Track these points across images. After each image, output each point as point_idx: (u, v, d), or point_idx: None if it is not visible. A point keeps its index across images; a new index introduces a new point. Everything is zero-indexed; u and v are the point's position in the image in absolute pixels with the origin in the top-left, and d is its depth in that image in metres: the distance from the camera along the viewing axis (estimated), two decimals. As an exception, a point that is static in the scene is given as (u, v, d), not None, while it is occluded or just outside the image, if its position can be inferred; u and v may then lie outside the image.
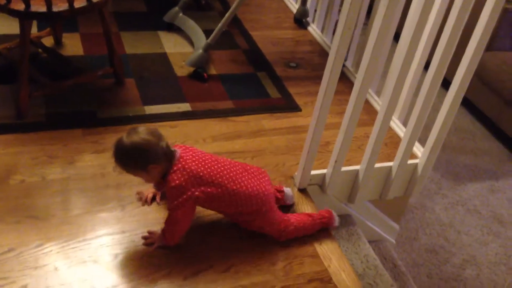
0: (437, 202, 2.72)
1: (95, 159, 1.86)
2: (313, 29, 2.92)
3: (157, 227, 1.60)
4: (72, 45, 2.46)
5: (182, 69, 2.42)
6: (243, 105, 2.27)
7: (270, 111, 2.26)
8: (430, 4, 1.63)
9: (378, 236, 2.27)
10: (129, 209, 1.69)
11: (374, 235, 2.25)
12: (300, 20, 2.97)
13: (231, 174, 1.54)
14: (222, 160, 1.57)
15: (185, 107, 2.19)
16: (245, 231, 1.65)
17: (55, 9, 1.85)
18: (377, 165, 1.92)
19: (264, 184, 1.59)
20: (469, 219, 2.64)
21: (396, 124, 2.22)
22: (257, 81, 2.45)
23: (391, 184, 2.00)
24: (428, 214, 2.64)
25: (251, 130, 2.13)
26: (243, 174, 1.57)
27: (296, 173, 1.88)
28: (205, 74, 2.37)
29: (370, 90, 2.36)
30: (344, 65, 2.53)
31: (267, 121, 2.20)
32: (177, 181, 1.46)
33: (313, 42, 2.84)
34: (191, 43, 2.57)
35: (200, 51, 2.38)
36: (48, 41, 2.40)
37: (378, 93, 2.40)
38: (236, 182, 1.54)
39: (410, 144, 1.90)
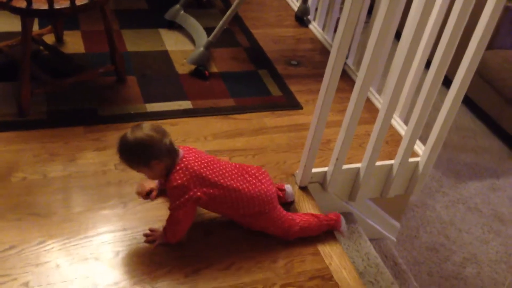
0: (438, 200, 2.72)
1: (96, 156, 1.86)
2: (314, 27, 2.92)
3: (159, 225, 1.60)
4: (73, 42, 2.46)
5: (183, 67, 2.42)
6: (244, 103, 2.27)
7: (271, 109, 2.26)
8: (431, 3, 1.63)
9: (379, 234, 2.28)
10: (131, 206, 1.69)
11: (375, 233, 2.26)
12: (301, 18, 2.97)
13: (233, 176, 1.55)
14: (223, 162, 1.58)
15: (186, 104, 2.20)
16: (246, 229, 1.65)
17: (56, 6, 1.85)
18: (378, 163, 1.93)
19: (266, 185, 1.59)
20: (469, 217, 2.64)
21: (397, 122, 2.22)
22: (258, 79, 2.45)
23: (392, 182, 2.00)
24: (429, 212, 2.64)
25: (252, 128, 2.13)
26: (244, 175, 1.57)
27: (297, 171, 1.88)
28: (206, 72, 2.37)
29: (371, 88, 2.36)
30: (345, 63, 2.53)
31: (268, 119, 2.20)
32: (179, 181, 1.46)
33: (314, 40, 2.84)
34: (192, 41, 2.57)
35: (201, 49, 2.38)
36: (49, 39, 2.40)
37: (379, 91, 2.40)
38: (238, 183, 1.54)
39: (411, 142, 1.90)
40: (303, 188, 1.87)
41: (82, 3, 1.90)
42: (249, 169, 1.61)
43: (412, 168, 2.02)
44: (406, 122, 2.13)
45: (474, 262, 2.41)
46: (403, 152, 1.93)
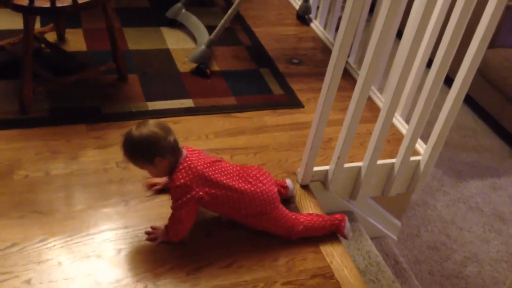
0: (439, 199, 2.72)
1: (98, 154, 1.86)
2: (316, 25, 2.92)
3: (160, 223, 1.60)
4: (75, 40, 2.46)
5: (184, 65, 2.42)
6: (246, 101, 2.27)
7: (272, 107, 2.26)
8: (433, 2, 1.63)
9: (380, 232, 2.28)
10: (132, 204, 1.69)
11: (376, 231, 2.26)
12: (303, 17, 2.97)
13: (234, 177, 1.56)
14: (224, 163, 1.59)
15: (188, 103, 2.20)
16: (247, 228, 1.65)
17: (58, 4, 1.85)
18: (380, 161, 1.93)
19: (267, 185, 1.60)
20: (470, 216, 2.64)
21: (398, 121, 2.22)
22: (260, 78, 2.45)
23: (393, 181, 2.00)
24: (430, 211, 2.64)
25: (254, 126, 2.14)
26: (245, 176, 1.58)
27: (298, 169, 1.88)
28: (207, 70, 2.37)
29: (372, 87, 2.36)
30: (346, 62, 2.53)
31: (269, 117, 2.20)
32: (181, 180, 1.47)
33: (315, 38, 2.84)
34: (194, 39, 2.57)
35: (203, 47, 2.38)
36: (51, 37, 2.40)
37: (381, 90, 2.40)
38: (239, 184, 1.55)
39: (412, 141, 1.90)
40: (305, 187, 1.87)
41: (84, 1, 1.90)
42: (249, 170, 1.62)
43: (413, 167, 2.02)
44: (407, 121, 2.13)
45: (475, 261, 2.41)
46: (404, 150, 1.93)
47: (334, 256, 1.65)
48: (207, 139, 2.02)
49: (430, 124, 1.93)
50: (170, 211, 1.53)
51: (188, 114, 2.13)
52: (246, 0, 2.43)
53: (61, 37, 2.44)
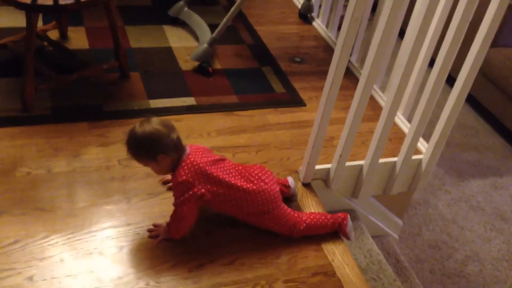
0: (440, 198, 2.72)
1: (100, 152, 1.87)
2: (318, 24, 2.92)
3: (162, 220, 1.61)
4: (77, 38, 2.47)
5: (187, 63, 2.42)
6: (248, 100, 2.27)
7: (274, 105, 2.26)
8: (435, 1, 1.63)
9: (381, 231, 2.28)
10: (134, 201, 1.70)
11: (378, 230, 2.26)
12: (305, 15, 2.97)
13: (237, 176, 1.56)
14: (227, 162, 1.60)
15: (190, 101, 2.20)
16: (249, 226, 1.65)
17: (61, 2, 1.85)
18: (381, 160, 1.93)
19: (269, 184, 1.60)
20: (472, 215, 2.64)
21: (400, 120, 2.22)
22: (262, 76, 2.45)
23: (395, 180, 2.00)
24: (431, 210, 2.64)
25: (255, 124, 2.14)
26: (247, 176, 1.58)
27: (300, 168, 1.89)
28: (210, 69, 2.37)
29: (374, 86, 2.36)
30: (349, 61, 2.53)
31: (271, 115, 2.20)
32: (184, 177, 1.47)
33: (317, 37, 2.84)
34: (196, 38, 2.57)
35: (205, 45, 2.38)
36: (53, 34, 2.40)
37: (383, 88, 2.40)
38: (241, 183, 1.55)
39: (414, 140, 1.90)
40: (307, 185, 1.87)
41: (86, -1, 1.90)
42: (252, 169, 1.62)
43: (415, 165, 2.02)
44: (409, 119, 2.13)
45: (476, 260, 2.41)
46: (406, 149, 1.93)
47: (336, 254, 1.65)
48: (209, 137, 2.02)
49: (432, 123, 1.93)
50: (172, 208, 1.54)
51: (190, 112, 2.14)
52: (248, -2, 2.43)
53: (64, 35, 2.44)
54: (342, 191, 2.00)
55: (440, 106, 1.89)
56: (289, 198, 1.78)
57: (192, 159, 1.49)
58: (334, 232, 1.71)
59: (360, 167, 1.94)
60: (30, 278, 1.42)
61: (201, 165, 1.50)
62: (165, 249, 1.55)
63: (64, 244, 1.53)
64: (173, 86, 2.27)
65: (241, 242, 1.62)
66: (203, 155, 1.53)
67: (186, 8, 2.66)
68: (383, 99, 2.33)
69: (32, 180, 1.72)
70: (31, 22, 1.88)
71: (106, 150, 1.88)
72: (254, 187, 1.56)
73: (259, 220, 1.61)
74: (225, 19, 2.38)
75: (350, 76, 2.48)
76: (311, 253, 1.64)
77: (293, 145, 2.06)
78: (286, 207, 1.65)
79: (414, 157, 1.98)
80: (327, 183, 1.91)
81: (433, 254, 2.42)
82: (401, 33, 2.10)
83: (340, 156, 1.83)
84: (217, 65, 2.46)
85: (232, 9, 2.39)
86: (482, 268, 2.38)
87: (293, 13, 3.02)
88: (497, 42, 3.23)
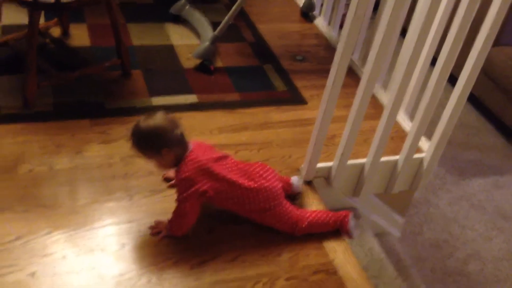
0: (442, 197, 2.72)
1: (102, 149, 1.87)
2: (320, 22, 2.92)
3: (164, 217, 1.61)
4: (79, 36, 2.47)
5: (188, 61, 2.42)
6: (249, 98, 2.27)
7: (276, 103, 2.27)
8: (437, 0, 1.63)
9: (382, 229, 2.28)
10: (136, 199, 1.70)
11: (379, 228, 2.26)
12: (307, 14, 2.97)
13: (239, 174, 1.57)
14: (230, 159, 1.60)
15: (192, 98, 2.20)
16: (251, 223, 1.65)
17: (63, 0, 1.85)
18: (383, 158, 1.93)
19: (270, 182, 1.60)
20: (473, 214, 2.64)
21: (402, 118, 2.22)
22: (263, 74, 2.45)
23: (396, 178, 2.00)
24: (433, 209, 2.64)
25: (257, 122, 2.14)
26: (249, 174, 1.59)
27: (302, 166, 1.89)
28: (211, 67, 2.37)
29: (376, 84, 2.35)
30: (350, 59, 2.53)
31: (273, 113, 2.20)
32: (187, 173, 1.48)
33: (319, 35, 2.84)
34: (198, 35, 2.57)
35: (207, 43, 2.38)
36: (55, 32, 2.41)
37: (384, 86, 2.39)
38: (243, 180, 1.56)
39: (416, 139, 1.90)
40: (308, 183, 1.87)
41: (89, -4, 1.90)
42: (253, 167, 1.63)
43: (417, 164, 2.02)
44: (411, 118, 2.13)
45: (478, 259, 2.41)
46: (408, 148, 1.93)
47: (337, 252, 1.66)
48: (211, 135, 2.02)
49: (434, 122, 1.93)
50: (173, 206, 1.54)
51: (192, 110, 2.14)
52: (250, -4, 2.44)
53: (65, 32, 2.44)
54: (344, 189, 2.00)
55: (442, 105, 1.89)
56: (293, 196, 1.78)
57: (195, 156, 1.50)
58: (336, 230, 1.71)
59: (362, 165, 1.94)
60: (32, 275, 1.43)
61: (204, 162, 1.50)
62: (167, 246, 1.56)
63: (66, 241, 1.53)
64: (174, 84, 2.27)
65: (243, 239, 1.63)
66: (206, 152, 1.54)
67: (187, 6, 2.66)
68: (385, 98, 2.32)
69: (34, 177, 1.72)
70: (33, 19, 1.88)
71: (108, 147, 1.88)
72: (255, 185, 1.57)
73: (261, 217, 1.62)
74: (226, 17, 2.38)
75: (352, 74, 2.47)
76: (313, 251, 1.64)
77: (295, 143, 2.06)
78: (288, 204, 1.65)
79: (416, 155, 1.98)
80: (329, 181, 1.92)
81: (434, 253, 2.42)
82: (403, 32, 2.10)
83: (342, 154, 1.83)
84: (219, 63, 2.46)
85: (234, 7, 2.39)
86: (483, 267, 2.38)
87: (295, 11, 3.02)
88: (499, 41, 3.22)
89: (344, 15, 2.59)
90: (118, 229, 1.59)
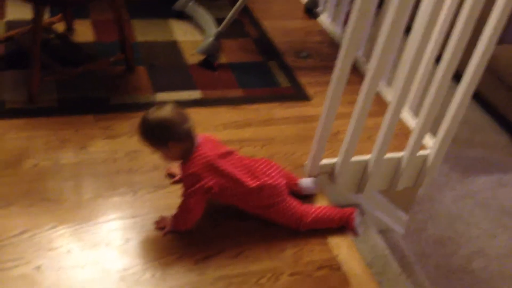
0: (446, 195, 2.72)
1: (106, 144, 1.87)
2: (324, 19, 2.91)
3: (168, 213, 1.61)
4: (83, 31, 2.47)
5: (192, 57, 2.42)
6: (253, 94, 2.27)
7: (280, 100, 2.26)
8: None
9: (386, 226, 2.28)
10: (141, 194, 1.70)
11: (383, 225, 2.26)
12: (311, 10, 2.96)
13: (243, 171, 1.57)
14: (235, 155, 1.60)
15: (195, 94, 2.20)
16: (255, 218, 1.66)
17: (68, -6, 1.86)
18: (387, 155, 1.93)
19: (274, 178, 1.60)
20: (477, 211, 2.64)
21: (406, 115, 2.22)
22: (267, 70, 2.45)
23: (400, 175, 2.00)
24: (437, 206, 2.64)
25: (261, 118, 2.14)
26: (253, 170, 1.59)
27: (306, 162, 1.89)
28: (215, 63, 2.37)
29: (381, 82, 2.35)
30: (354, 56, 2.52)
31: (277, 110, 2.20)
32: (194, 169, 1.48)
33: (323, 32, 2.84)
34: (202, 31, 2.57)
35: (211, 39, 2.38)
36: (59, 27, 2.41)
37: (389, 83, 2.39)
38: (247, 178, 1.56)
39: (420, 136, 1.90)
40: (312, 179, 1.87)
41: (94, -9, 1.90)
42: (257, 164, 1.63)
43: (421, 161, 2.02)
44: (415, 114, 2.13)
45: (482, 256, 2.41)
46: (412, 145, 1.93)
47: (341, 248, 1.66)
48: (215, 131, 2.02)
49: (438, 119, 1.92)
50: (177, 202, 1.55)
51: (196, 106, 2.14)
52: (254, -7, 2.43)
53: (69, 28, 2.44)
54: (348, 185, 2.00)
55: (446, 102, 1.88)
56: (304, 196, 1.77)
57: (203, 151, 1.50)
58: (340, 226, 1.70)
59: (366, 162, 1.94)
60: (38, 268, 1.43)
61: (210, 158, 1.51)
62: (171, 241, 1.56)
63: (71, 235, 1.53)
64: (178, 80, 2.27)
65: (248, 234, 1.63)
66: (213, 147, 1.54)
67: (191, 2, 2.66)
68: (389, 94, 2.32)
69: (39, 172, 1.72)
70: (38, 14, 1.89)
71: (112, 142, 1.88)
72: (258, 182, 1.57)
73: (265, 213, 1.62)
74: (231, 13, 2.38)
75: (356, 71, 2.47)
76: (317, 246, 1.64)
77: (298, 140, 2.06)
78: (292, 200, 1.65)
79: (420, 152, 1.98)
80: (333, 177, 1.91)
81: (438, 250, 2.41)
82: (407, 28, 2.09)
83: (346, 150, 1.83)
84: (223, 59, 2.46)
85: (238, 3, 2.38)
86: (487, 264, 2.37)
87: (299, 8, 3.01)
88: (504, 39, 3.22)
89: (348, 12, 2.59)
90: (123, 224, 1.60)
